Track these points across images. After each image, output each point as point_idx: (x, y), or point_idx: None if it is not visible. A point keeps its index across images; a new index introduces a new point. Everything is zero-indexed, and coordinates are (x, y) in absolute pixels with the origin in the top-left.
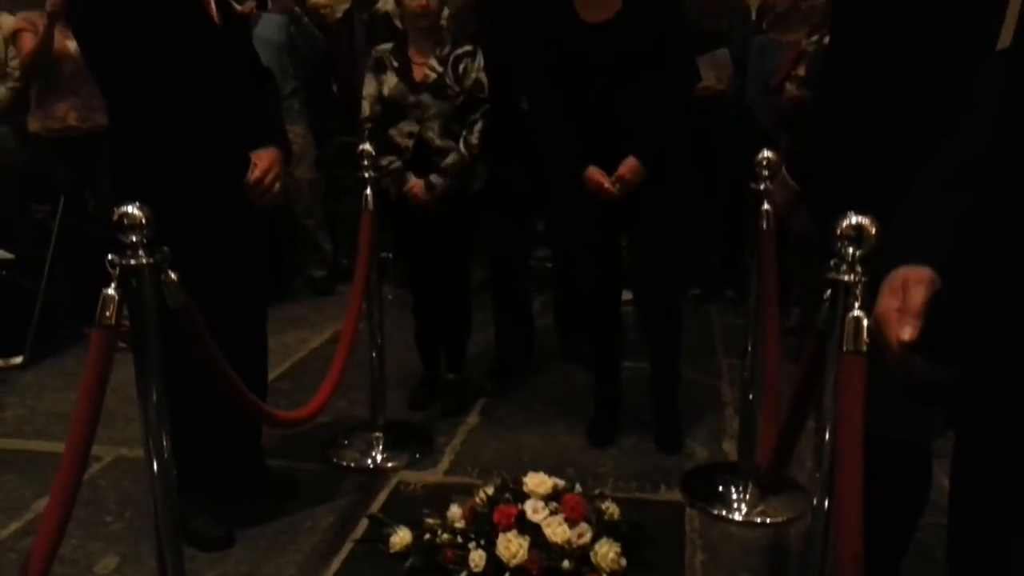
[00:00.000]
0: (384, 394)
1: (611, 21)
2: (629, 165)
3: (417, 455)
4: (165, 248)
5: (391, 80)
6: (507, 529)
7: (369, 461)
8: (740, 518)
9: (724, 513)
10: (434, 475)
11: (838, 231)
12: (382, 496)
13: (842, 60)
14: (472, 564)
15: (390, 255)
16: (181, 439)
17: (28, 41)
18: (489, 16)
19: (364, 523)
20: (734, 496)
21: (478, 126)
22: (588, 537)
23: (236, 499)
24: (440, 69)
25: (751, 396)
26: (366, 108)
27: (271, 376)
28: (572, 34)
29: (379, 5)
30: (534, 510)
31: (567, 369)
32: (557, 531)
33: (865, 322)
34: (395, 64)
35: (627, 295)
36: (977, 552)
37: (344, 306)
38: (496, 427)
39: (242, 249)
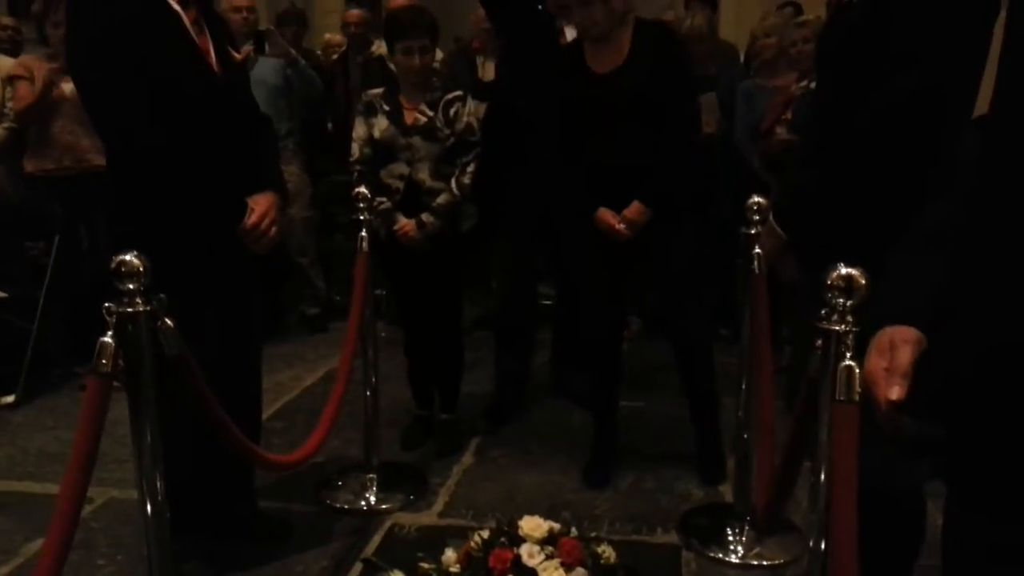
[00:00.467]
0: (378, 434)
1: (617, 71)
2: (634, 208)
3: (411, 496)
4: (162, 295)
5: (382, 123)
6: (503, 574)
7: (363, 503)
8: (737, 560)
9: (721, 555)
10: (428, 517)
11: (828, 282)
12: (376, 539)
13: (827, 113)
14: None
15: (383, 292)
16: (174, 482)
17: (23, 90)
18: (504, 64)
19: (358, 567)
20: (730, 538)
21: (470, 168)
22: None
23: (228, 542)
24: (431, 113)
25: (745, 436)
26: (355, 150)
27: (264, 415)
28: (582, 84)
29: (374, 49)
30: (530, 555)
31: (561, 407)
32: None
33: (857, 371)
34: (386, 108)
35: None
36: None
37: (338, 343)
38: (490, 467)
39: (238, 292)
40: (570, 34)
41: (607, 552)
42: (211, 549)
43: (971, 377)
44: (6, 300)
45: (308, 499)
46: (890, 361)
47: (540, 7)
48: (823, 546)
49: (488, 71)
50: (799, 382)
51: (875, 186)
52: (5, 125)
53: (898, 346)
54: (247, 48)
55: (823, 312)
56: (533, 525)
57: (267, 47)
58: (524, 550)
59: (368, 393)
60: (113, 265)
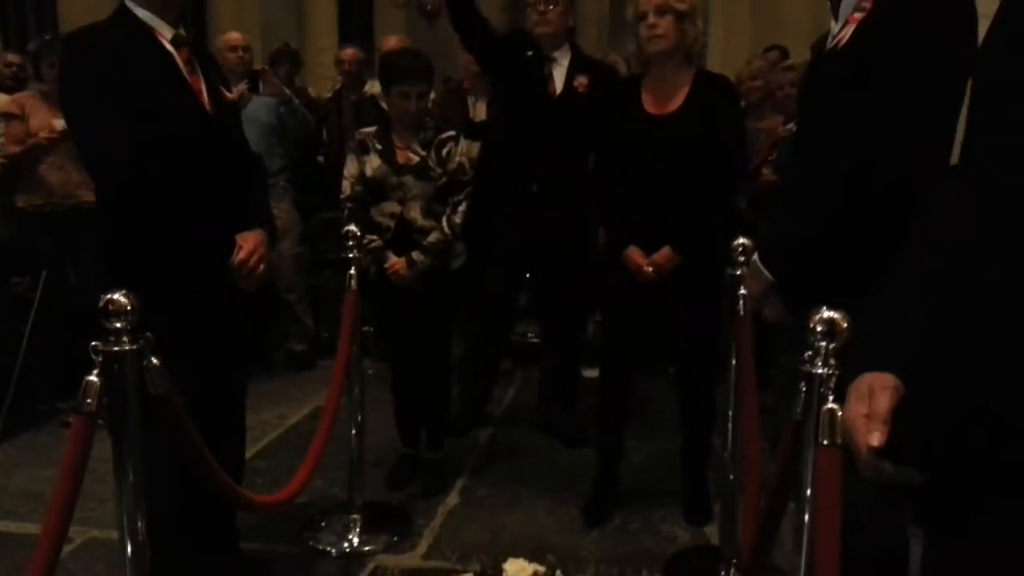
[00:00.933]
0: (362, 474)
1: (673, 114)
2: (664, 253)
3: (395, 538)
4: (149, 334)
5: (374, 161)
6: None
7: (346, 544)
8: None
9: None
10: (412, 559)
11: (810, 324)
12: None
13: (809, 156)
14: None
15: (371, 329)
16: (155, 522)
17: (15, 130)
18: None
19: None
20: None
21: (461, 207)
22: None
23: None
24: (423, 153)
25: (732, 477)
26: (347, 188)
27: (248, 454)
28: (636, 122)
29: (367, 88)
30: None
31: (547, 448)
32: None
33: (840, 414)
34: (378, 147)
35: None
36: None
37: (324, 381)
38: (476, 508)
39: (223, 329)
40: (558, 76)
41: None
42: None
43: (948, 425)
44: None
45: (291, 540)
46: (869, 407)
47: (530, 53)
48: None
49: (479, 111)
50: (785, 423)
51: (858, 230)
52: None
53: (877, 392)
54: (241, 87)
55: (806, 355)
56: (518, 567)
57: (261, 86)
58: None
59: (354, 432)
60: (101, 303)
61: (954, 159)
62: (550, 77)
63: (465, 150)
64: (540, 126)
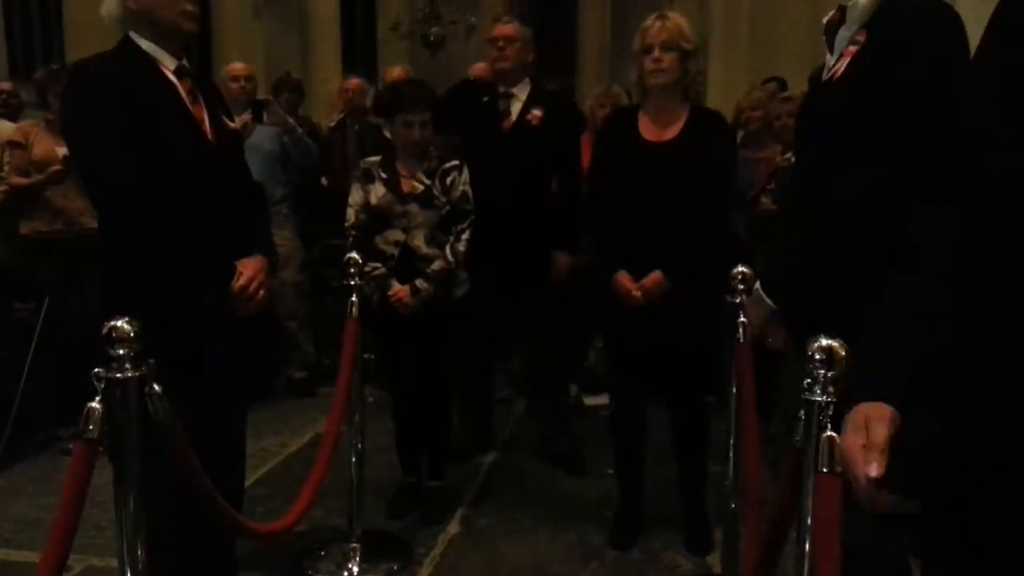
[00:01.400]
0: (362, 502)
1: (670, 141)
2: (654, 278)
3: (395, 567)
4: (151, 361)
5: (379, 190)
6: None
7: (346, 573)
8: None
9: None
10: None
11: (809, 352)
12: None
13: (807, 185)
14: None
15: (372, 356)
16: (155, 550)
17: (19, 159)
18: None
19: None
20: None
21: (465, 235)
22: None
23: None
24: (427, 182)
25: (733, 506)
26: (351, 216)
27: (248, 481)
28: (633, 149)
29: (371, 117)
30: None
31: (548, 477)
32: None
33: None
34: (383, 175)
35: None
36: None
37: (325, 408)
38: (477, 537)
39: (224, 356)
40: (515, 111)
41: None
42: None
43: (944, 455)
44: None
45: (290, 569)
46: (867, 438)
47: (485, 99)
48: None
49: None
50: (785, 450)
51: (858, 258)
52: (2, 188)
53: (873, 423)
54: (244, 117)
55: (805, 383)
56: None
57: (265, 116)
58: None
59: (354, 459)
60: (104, 330)
61: None
62: (507, 112)
63: (468, 179)
64: (492, 161)
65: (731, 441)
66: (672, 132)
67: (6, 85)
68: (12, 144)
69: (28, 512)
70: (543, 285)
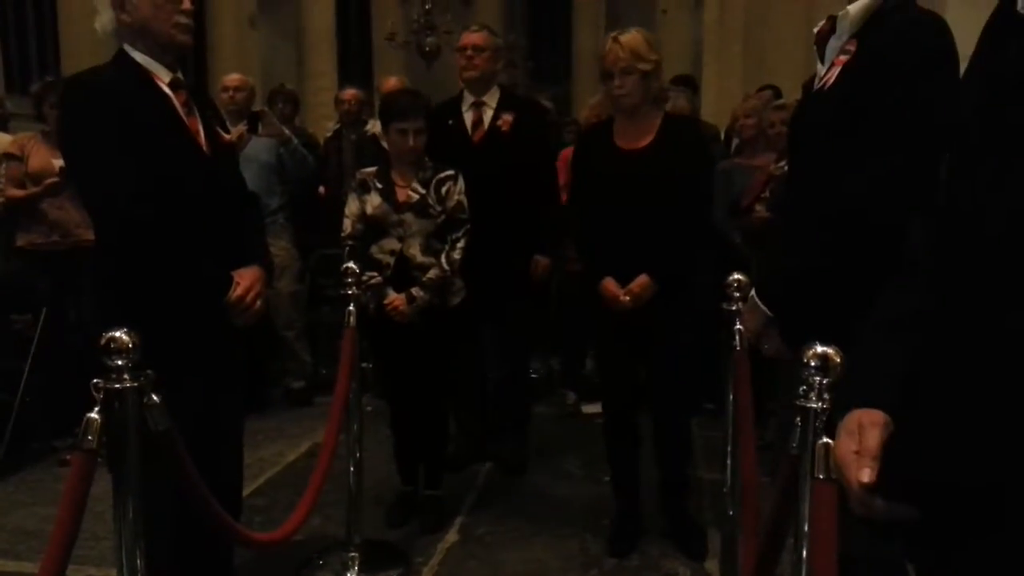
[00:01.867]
0: (360, 511)
1: (644, 148)
2: (640, 281)
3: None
4: (149, 371)
5: (375, 200)
6: None
7: None
8: None
9: None
10: None
11: (804, 359)
12: None
13: (800, 193)
14: None
15: (370, 365)
16: (153, 560)
17: (14, 171)
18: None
19: None
20: None
21: (460, 243)
22: None
23: None
24: (423, 191)
25: (731, 513)
26: (348, 226)
27: (246, 491)
28: (608, 158)
29: (368, 127)
30: None
31: (546, 485)
32: None
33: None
34: (379, 186)
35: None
36: None
37: (322, 418)
38: (475, 546)
39: (220, 366)
40: (487, 119)
41: None
42: None
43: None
44: None
45: None
46: (860, 444)
47: (450, 122)
48: None
49: None
50: (781, 457)
51: (853, 266)
52: None
53: (867, 429)
54: (240, 128)
55: (801, 389)
56: None
57: (260, 127)
58: None
59: (352, 469)
60: (103, 341)
61: None
62: (479, 121)
63: (463, 188)
64: (468, 173)
65: (728, 448)
66: (646, 140)
67: None
68: (8, 156)
69: (26, 523)
70: (524, 291)
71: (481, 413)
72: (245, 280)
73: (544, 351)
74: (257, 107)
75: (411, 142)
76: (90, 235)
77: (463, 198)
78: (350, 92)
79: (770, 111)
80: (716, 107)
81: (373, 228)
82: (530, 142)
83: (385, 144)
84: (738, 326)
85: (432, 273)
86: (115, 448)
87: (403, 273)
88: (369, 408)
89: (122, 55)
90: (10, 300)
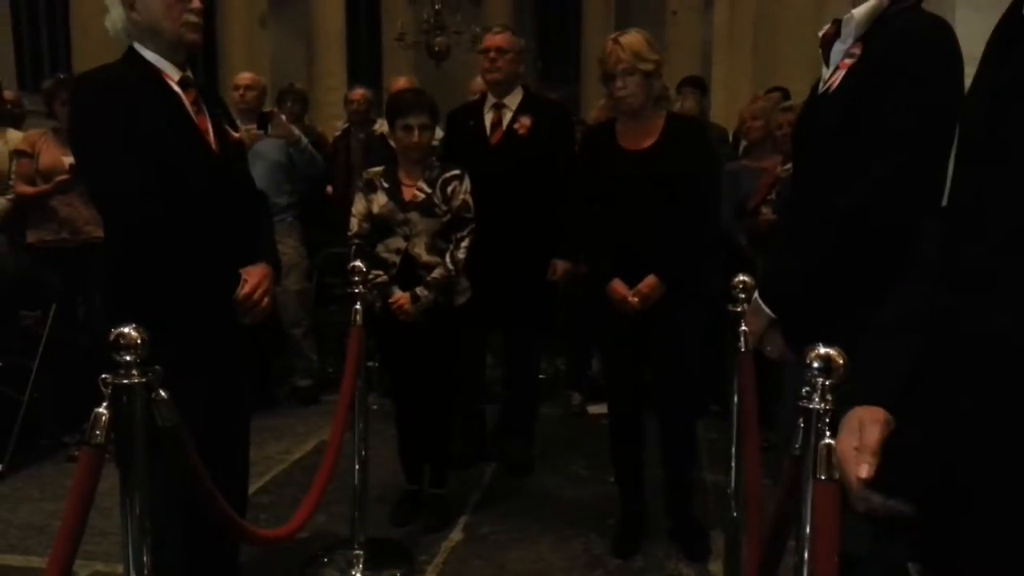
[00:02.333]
0: (366, 509)
1: (647, 149)
2: (648, 282)
3: (398, 574)
4: (157, 367)
5: (381, 199)
6: None
7: None
8: None
9: None
10: None
11: (808, 361)
12: None
13: (805, 195)
14: None
15: (376, 363)
16: (160, 556)
17: (24, 168)
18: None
19: None
20: None
21: (465, 243)
22: None
23: None
24: (428, 190)
25: (735, 514)
26: (354, 225)
27: (252, 489)
28: (612, 159)
29: (376, 127)
30: None
31: (550, 485)
32: None
33: None
34: (385, 185)
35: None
36: None
37: (329, 416)
38: (479, 545)
39: (228, 363)
40: (506, 121)
41: None
42: None
43: (936, 458)
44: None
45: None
46: (860, 440)
47: (471, 123)
48: None
49: None
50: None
51: (856, 268)
52: (9, 196)
53: (867, 425)
54: (250, 128)
55: (804, 390)
56: None
57: (269, 128)
58: None
59: (357, 467)
60: (111, 337)
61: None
62: (498, 123)
63: (469, 188)
64: (484, 175)
65: (732, 449)
66: (649, 140)
67: (10, 94)
68: (19, 153)
69: (34, 518)
70: (538, 293)
71: (481, 413)
72: (253, 278)
73: (550, 352)
74: (267, 107)
75: (416, 138)
76: (99, 232)
77: (469, 197)
78: (359, 92)
79: (778, 113)
80: (726, 108)
81: (379, 227)
82: (550, 145)
83: (393, 143)
84: (743, 328)
85: (437, 272)
86: (123, 443)
87: (409, 272)
88: (375, 407)
89: (132, 53)
90: (20, 297)
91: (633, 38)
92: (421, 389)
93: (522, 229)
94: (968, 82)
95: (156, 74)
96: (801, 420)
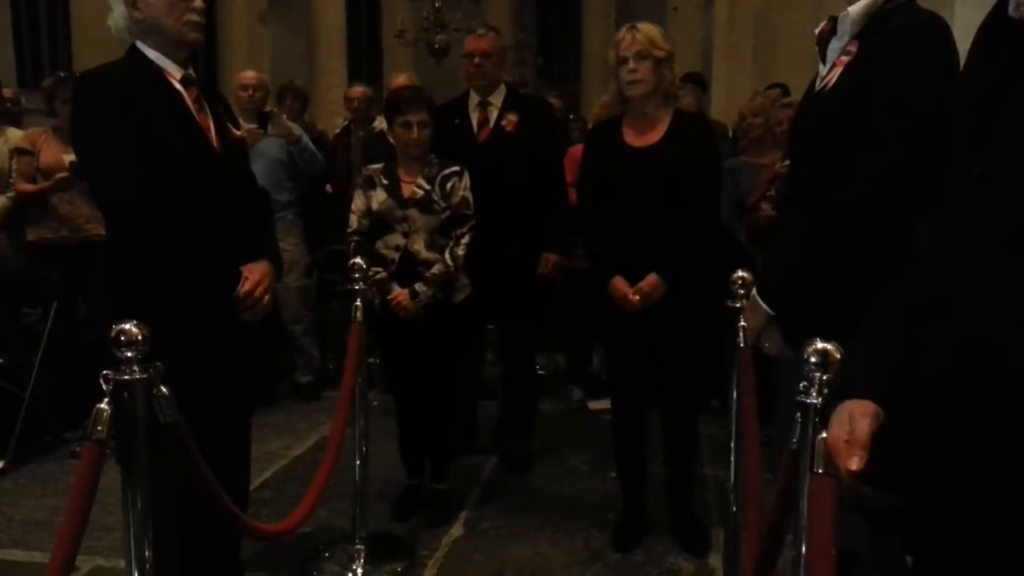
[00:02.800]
0: (366, 504)
1: (653, 146)
2: (650, 281)
3: (399, 569)
4: (158, 363)
5: (380, 196)
6: None
7: (349, 575)
8: None
9: None
10: None
11: (804, 356)
12: None
13: (803, 191)
14: None
15: (376, 360)
16: (161, 551)
17: (25, 166)
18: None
19: None
20: None
21: (465, 239)
22: None
23: None
24: (427, 187)
25: (735, 509)
26: (353, 222)
27: (254, 484)
28: (617, 155)
29: (375, 124)
30: None
31: (551, 480)
32: None
33: None
34: (384, 182)
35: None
36: None
37: (330, 412)
38: (480, 540)
39: (229, 360)
40: (492, 118)
41: None
42: None
43: (926, 451)
44: (1, 366)
45: (294, 570)
46: (850, 433)
47: (456, 121)
48: None
49: None
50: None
51: (853, 265)
52: (9, 194)
53: (857, 419)
54: (252, 127)
55: (801, 385)
56: None
57: (270, 127)
58: None
59: (358, 463)
60: (113, 333)
61: None
62: (485, 121)
63: (468, 184)
64: (474, 173)
65: (732, 444)
66: (655, 136)
67: (8, 92)
68: (19, 151)
69: (36, 513)
70: (531, 288)
71: (474, 407)
72: (254, 275)
73: (550, 348)
74: (269, 106)
75: (415, 134)
76: (100, 230)
77: (468, 194)
78: (359, 89)
79: (777, 109)
80: (726, 105)
81: (378, 224)
82: (536, 140)
83: (392, 139)
84: (742, 323)
85: (436, 269)
86: (124, 439)
87: (408, 269)
88: (375, 403)
89: (134, 51)
90: (21, 294)
91: (649, 27)
92: (421, 385)
93: (513, 224)
94: None
95: (158, 72)
96: (798, 414)
